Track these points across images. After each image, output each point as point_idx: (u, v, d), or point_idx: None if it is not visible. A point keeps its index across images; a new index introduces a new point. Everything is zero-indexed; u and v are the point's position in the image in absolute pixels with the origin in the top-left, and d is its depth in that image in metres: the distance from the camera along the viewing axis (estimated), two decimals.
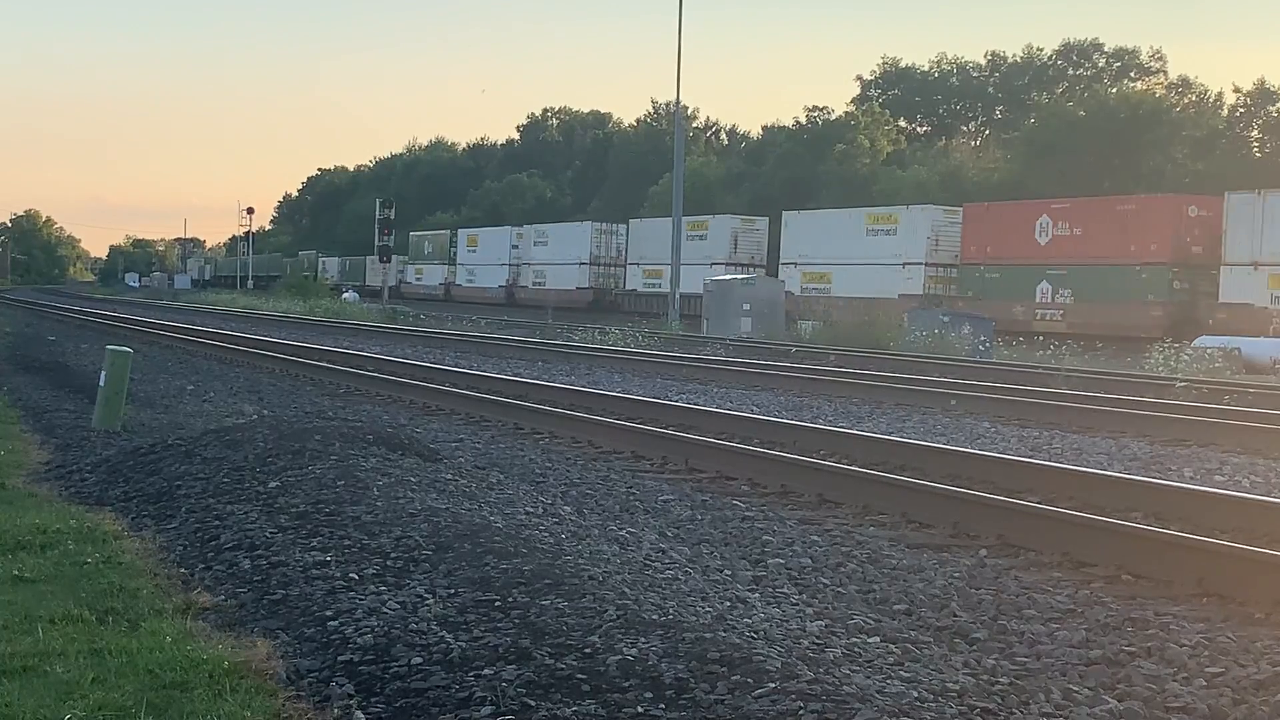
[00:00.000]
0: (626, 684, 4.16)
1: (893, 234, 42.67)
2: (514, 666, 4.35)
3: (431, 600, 5.23)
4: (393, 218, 60.96)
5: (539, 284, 62.64)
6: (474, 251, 71.52)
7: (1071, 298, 36.81)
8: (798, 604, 5.90)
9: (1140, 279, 34.89)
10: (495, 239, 69.17)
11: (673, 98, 58.95)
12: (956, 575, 6.63)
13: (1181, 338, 26.51)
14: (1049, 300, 37.51)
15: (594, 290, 58.75)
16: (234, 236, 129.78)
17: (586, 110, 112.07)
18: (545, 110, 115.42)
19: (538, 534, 6.69)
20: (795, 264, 46.00)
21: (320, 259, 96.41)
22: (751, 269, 49.20)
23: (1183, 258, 34.57)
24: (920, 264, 41.53)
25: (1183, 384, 18.48)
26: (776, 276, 45.81)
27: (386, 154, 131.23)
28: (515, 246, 66.88)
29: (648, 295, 53.45)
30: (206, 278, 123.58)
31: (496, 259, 67.93)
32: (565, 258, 61.31)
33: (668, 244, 48.38)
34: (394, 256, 67.11)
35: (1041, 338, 28.44)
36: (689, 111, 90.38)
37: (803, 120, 79.94)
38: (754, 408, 15.51)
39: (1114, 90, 67.26)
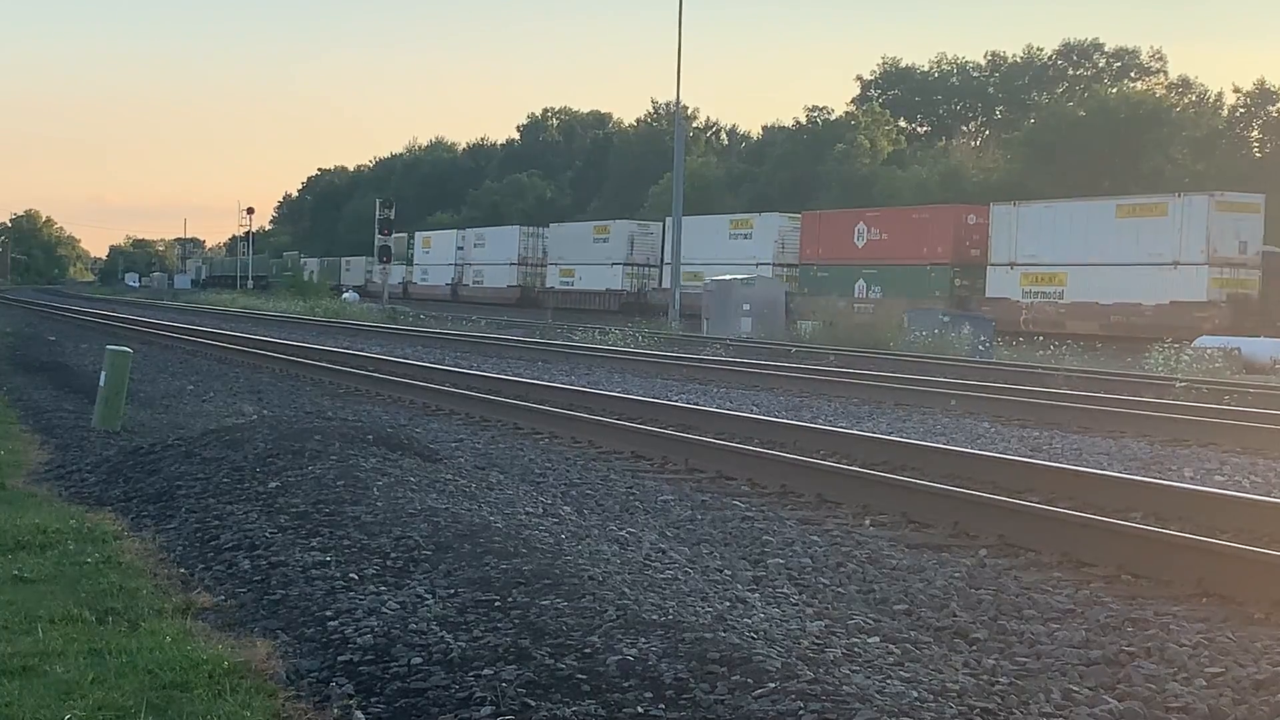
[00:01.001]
0: (626, 684, 4.16)
1: (750, 238, 49.52)
2: (514, 666, 4.35)
3: (431, 600, 5.23)
4: (393, 218, 61.23)
5: (478, 282, 68.45)
6: (428, 253, 77.08)
7: (880, 293, 42.02)
8: (798, 604, 5.90)
9: (930, 277, 40.67)
10: (444, 241, 74.32)
11: (673, 98, 59.98)
12: (956, 575, 6.63)
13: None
14: (864, 296, 42.66)
15: (520, 288, 64.31)
16: (234, 236, 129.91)
17: (586, 110, 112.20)
18: (545, 110, 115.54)
19: (537, 534, 6.69)
20: (772, 265, 50.04)
21: (302, 259, 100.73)
22: (648, 268, 56.63)
23: (962, 259, 40.37)
24: (769, 264, 47.83)
25: (1183, 384, 18.48)
26: (661, 275, 53.08)
27: (386, 154, 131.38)
28: (460, 248, 72.34)
29: (563, 292, 59.74)
30: (202, 278, 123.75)
31: (445, 260, 73.13)
32: (498, 258, 67.14)
33: (579, 247, 58.51)
34: (362, 258, 73.79)
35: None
36: (689, 111, 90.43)
37: (803, 120, 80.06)
38: (754, 408, 15.51)
39: (1114, 90, 67.23)
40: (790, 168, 72.21)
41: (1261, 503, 8.02)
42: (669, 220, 52.53)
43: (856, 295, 42.50)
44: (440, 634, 4.76)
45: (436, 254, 75.21)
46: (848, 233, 44.63)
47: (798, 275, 46.84)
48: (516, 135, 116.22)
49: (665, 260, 51.24)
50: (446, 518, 6.75)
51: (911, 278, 40.76)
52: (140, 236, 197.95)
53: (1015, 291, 38.19)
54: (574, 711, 3.97)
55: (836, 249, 44.90)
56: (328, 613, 5.16)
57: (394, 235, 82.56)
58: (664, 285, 50.13)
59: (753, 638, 4.85)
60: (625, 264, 57.12)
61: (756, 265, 47.37)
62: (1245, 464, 11.25)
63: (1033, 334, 30.37)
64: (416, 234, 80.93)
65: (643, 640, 4.56)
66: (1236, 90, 66.44)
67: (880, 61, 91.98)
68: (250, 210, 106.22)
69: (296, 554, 6.10)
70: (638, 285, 56.96)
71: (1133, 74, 75.89)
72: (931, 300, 38.18)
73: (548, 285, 62.69)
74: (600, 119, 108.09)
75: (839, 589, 6.30)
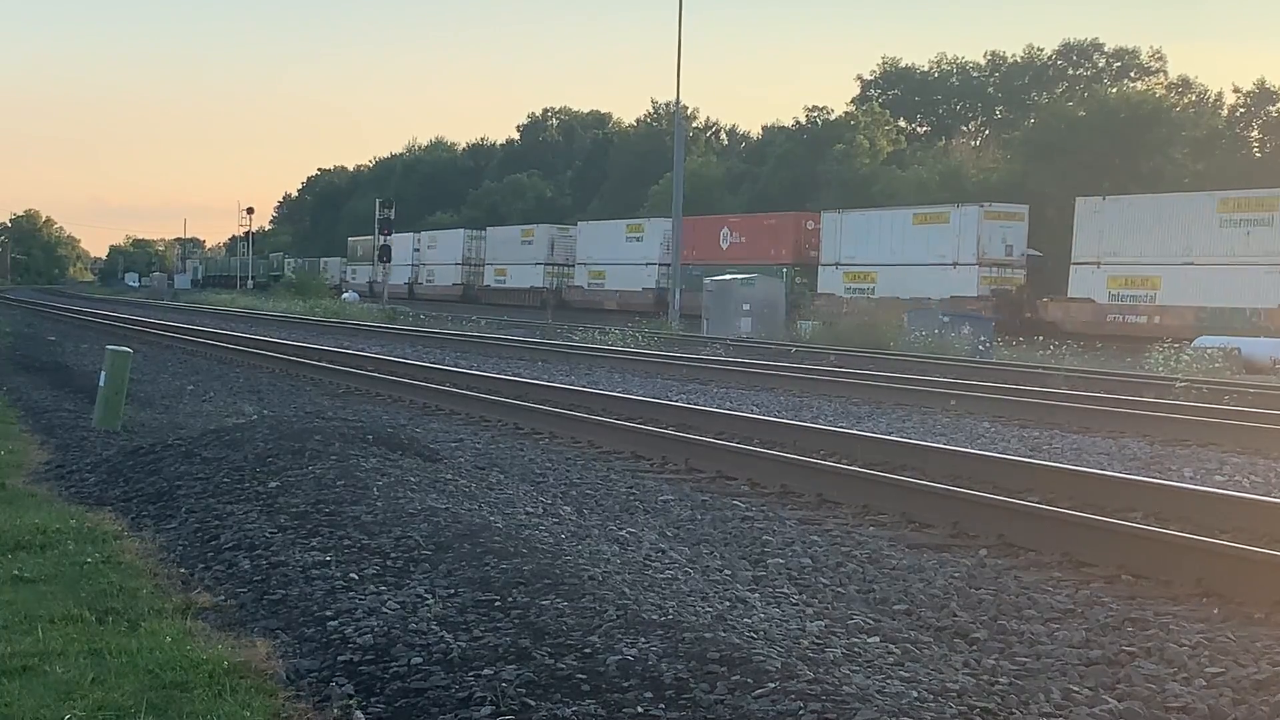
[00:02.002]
0: (626, 684, 4.16)
1: (641, 240, 55.05)
2: (514, 666, 4.35)
3: (431, 600, 5.23)
4: (393, 218, 61.58)
5: (430, 281, 73.79)
6: (423, 251, 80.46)
7: (875, 290, 45.28)
8: (798, 604, 5.90)
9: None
10: (404, 243, 77.61)
11: (673, 98, 60.61)
12: (956, 575, 6.63)
13: (1030, 331, 32.95)
14: (834, 290, 45.75)
15: (463, 286, 69.87)
16: (234, 236, 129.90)
17: (586, 110, 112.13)
18: (545, 110, 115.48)
19: (538, 534, 6.69)
20: (584, 264, 58.75)
21: (285, 259, 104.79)
22: (566, 267, 61.73)
23: (802, 260, 46.36)
24: (656, 264, 53.19)
25: (1183, 384, 18.48)
26: (550, 275, 61.18)
27: (386, 154, 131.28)
28: (416, 250, 77.84)
29: (496, 289, 66.72)
30: (199, 277, 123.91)
31: (404, 260, 76.47)
32: (446, 259, 72.92)
33: (509, 248, 65.35)
34: (336, 258, 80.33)
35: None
36: (689, 111, 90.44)
37: (803, 120, 79.95)
38: (754, 408, 15.51)
39: (1114, 90, 67.23)
40: (790, 168, 72.20)
41: (1261, 503, 8.02)
42: (584, 224, 62.24)
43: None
44: (440, 634, 4.76)
45: (397, 255, 78.32)
46: (715, 236, 51.01)
47: (687, 274, 51.54)
48: (516, 135, 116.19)
49: (579, 260, 59.46)
50: (446, 518, 6.75)
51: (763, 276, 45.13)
52: (140, 236, 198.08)
53: (839, 288, 44.04)
54: (574, 711, 3.97)
55: (707, 251, 50.74)
56: (328, 612, 5.15)
57: (361, 238, 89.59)
58: (576, 283, 58.99)
59: (753, 638, 4.85)
60: (546, 264, 62.78)
61: (646, 264, 54.21)
62: (1245, 464, 11.25)
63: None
64: (416, 234, 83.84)
65: (643, 640, 4.56)
66: (1236, 90, 66.50)
67: (880, 61, 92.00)
68: (250, 210, 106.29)
69: (296, 554, 6.10)
70: (556, 283, 61.80)
71: (1133, 74, 75.88)
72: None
73: (485, 283, 68.68)
74: (600, 119, 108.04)
75: (839, 589, 6.30)
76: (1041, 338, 28.95)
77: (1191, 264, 33.61)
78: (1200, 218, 34.01)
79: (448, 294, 69.39)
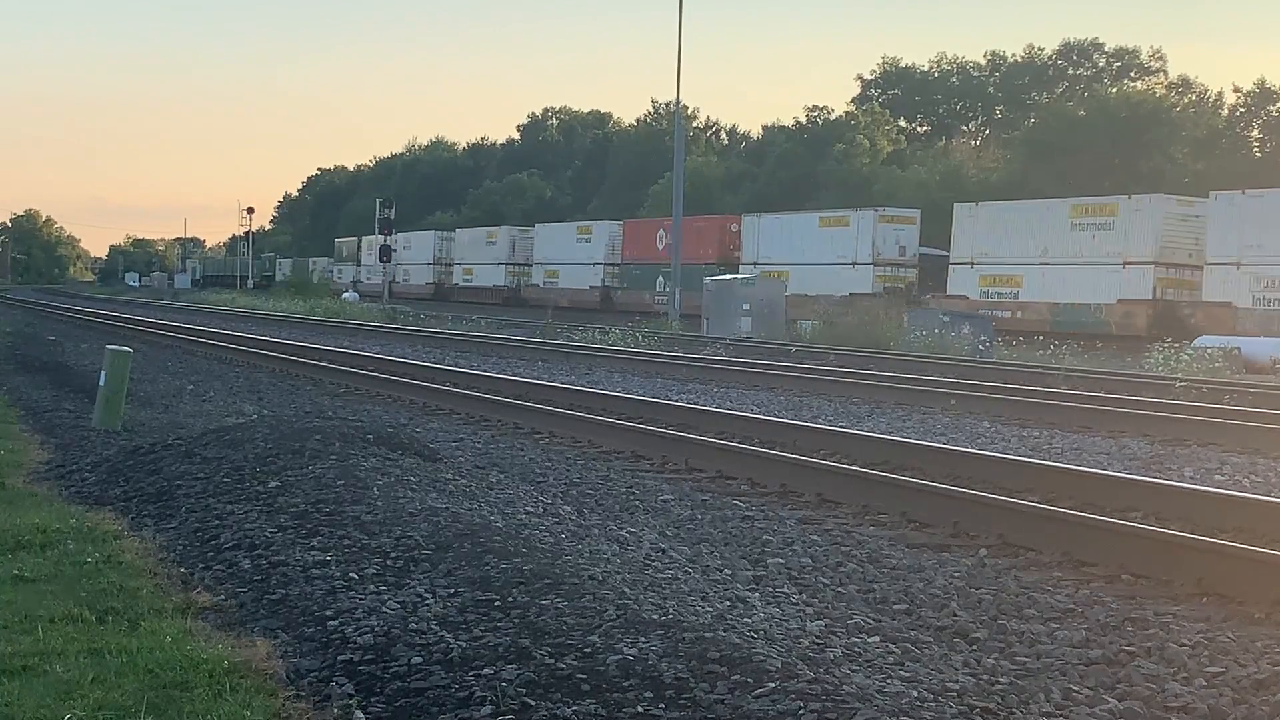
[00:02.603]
0: (626, 684, 4.16)
1: (589, 242, 59.74)
2: (514, 666, 4.35)
3: (431, 600, 5.23)
4: (393, 217, 61.79)
5: (405, 280, 76.36)
6: (369, 254, 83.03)
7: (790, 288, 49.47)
8: (798, 604, 5.90)
9: (702, 274, 46.81)
10: (420, 243, 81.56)
11: (673, 98, 61.25)
12: (956, 575, 6.63)
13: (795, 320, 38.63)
14: (663, 290, 50.40)
15: (435, 285, 73.58)
16: (234, 236, 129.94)
17: (586, 110, 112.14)
18: (545, 110, 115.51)
19: (538, 534, 6.69)
20: (541, 264, 63.61)
21: (277, 260, 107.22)
22: (526, 266, 65.99)
23: (726, 259, 49.70)
24: (602, 264, 58.25)
25: (1183, 384, 18.48)
26: (511, 274, 66.00)
27: (386, 154, 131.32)
28: (394, 250, 79.82)
29: (466, 287, 70.45)
30: (196, 277, 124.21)
31: (424, 259, 79.28)
32: (420, 259, 76.57)
33: (476, 249, 69.98)
34: (323, 258, 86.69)
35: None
36: (689, 111, 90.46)
37: (803, 120, 80.00)
38: (754, 408, 15.51)
39: (1114, 90, 67.26)
40: (790, 167, 72.24)
41: (1261, 503, 8.02)
42: (541, 226, 66.48)
43: (656, 290, 52.03)
44: (440, 633, 4.76)
45: (414, 253, 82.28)
46: (652, 237, 54.65)
47: (619, 272, 57.73)
48: (516, 135, 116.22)
49: (535, 260, 64.41)
50: (447, 517, 6.75)
51: (693, 274, 47.89)
52: (140, 236, 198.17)
53: (679, 283, 47.69)
54: (574, 711, 3.97)
55: (645, 251, 55.39)
56: (328, 612, 5.16)
57: (346, 239, 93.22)
58: (533, 282, 64.00)
59: (753, 637, 4.85)
60: (508, 263, 67.33)
61: (593, 264, 58.83)
62: (1245, 464, 11.25)
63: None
64: (363, 239, 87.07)
65: (643, 640, 4.56)
66: (1236, 90, 66.54)
67: (880, 61, 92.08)
68: (250, 210, 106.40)
69: (296, 553, 6.10)
70: (517, 281, 66.20)
71: (1133, 74, 75.92)
72: (699, 292, 46.38)
73: (454, 282, 73.00)
74: (600, 119, 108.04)
75: (839, 589, 6.30)
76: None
77: (1047, 264, 37.32)
78: (1056, 222, 37.62)
79: (421, 292, 72.31)
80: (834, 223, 46.02)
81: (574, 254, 60.69)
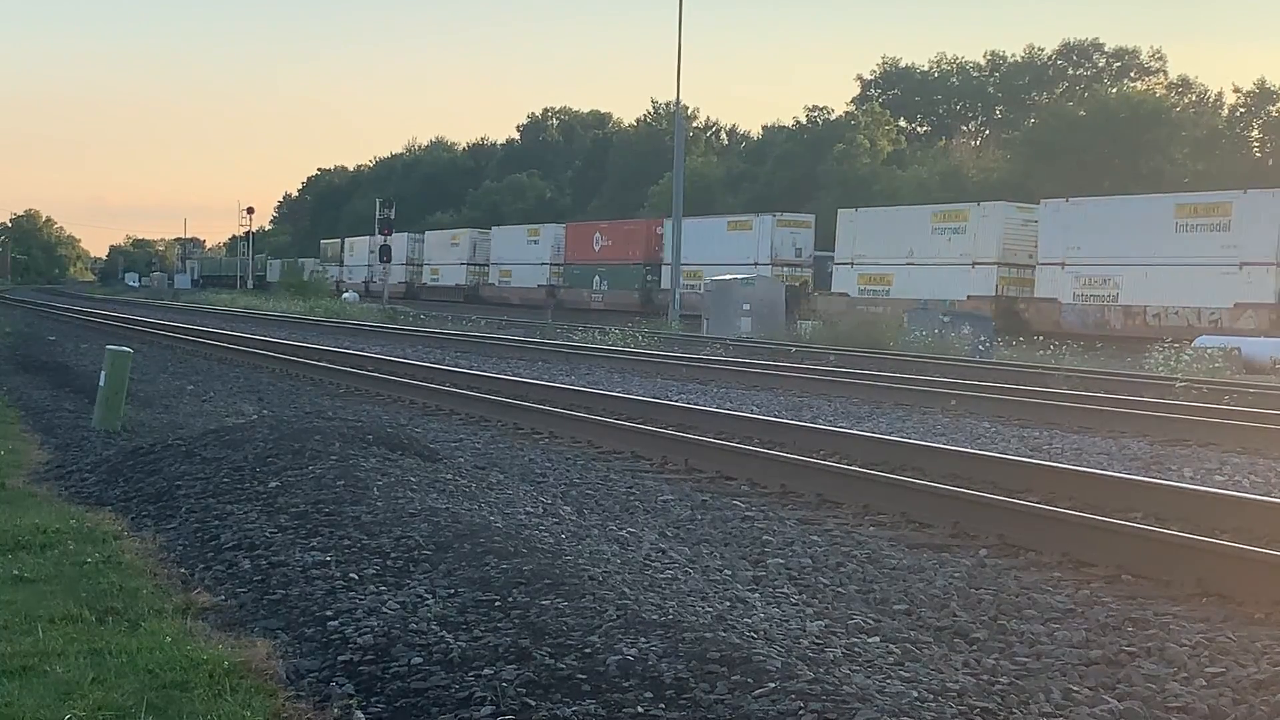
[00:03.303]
0: (626, 684, 4.16)
1: (537, 244, 64.40)
2: (514, 666, 4.35)
3: (431, 600, 5.23)
4: (393, 217, 61.97)
5: (434, 280, 79.28)
6: (351, 255, 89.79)
7: (607, 286, 57.33)
8: (798, 604, 5.90)
9: (632, 273, 55.57)
10: (362, 245, 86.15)
11: (673, 98, 61.66)
12: (956, 575, 6.63)
13: (647, 313, 45.06)
14: (598, 288, 57.93)
15: (407, 284, 76.72)
16: (234, 236, 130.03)
17: (586, 110, 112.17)
18: (545, 110, 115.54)
19: (538, 534, 6.69)
20: (496, 264, 68.93)
21: (268, 261, 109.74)
22: (485, 266, 70.54)
23: (652, 259, 54.54)
24: (548, 264, 63.13)
25: (1183, 384, 18.48)
26: (472, 273, 71.01)
27: (386, 154, 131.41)
28: (371, 252, 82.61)
29: (433, 286, 75.00)
30: (195, 277, 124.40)
31: (362, 261, 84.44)
32: (444, 259, 78.37)
33: (441, 251, 74.69)
34: (310, 259, 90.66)
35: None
36: (689, 111, 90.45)
37: (803, 120, 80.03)
38: (754, 408, 15.50)
39: (1114, 90, 67.27)
40: (790, 167, 72.26)
41: (1261, 503, 8.01)
42: (496, 229, 71.53)
43: (594, 288, 58.20)
44: (440, 634, 4.76)
45: (359, 257, 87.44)
46: (590, 240, 60.32)
47: (562, 272, 62.57)
48: (516, 135, 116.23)
49: (492, 261, 69.55)
50: (446, 518, 6.75)
51: (623, 274, 55.70)
52: (140, 236, 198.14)
53: (679, 284, 51.76)
54: (574, 711, 3.97)
55: (584, 252, 60.36)
56: (328, 612, 5.16)
57: (331, 241, 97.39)
58: (490, 281, 69.40)
59: (753, 637, 4.85)
60: (469, 264, 71.97)
61: (540, 264, 63.70)
62: (1245, 464, 11.25)
63: (681, 315, 41.75)
64: (345, 240, 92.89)
65: (643, 640, 4.56)
66: (1236, 90, 66.58)
67: (880, 61, 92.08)
68: (250, 210, 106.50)
69: (296, 554, 6.10)
70: (475, 280, 70.90)
71: (1133, 74, 75.90)
72: (631, 291, 54.44)
73: (424, 281, 77.36)
74: (600, 119, 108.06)
75: (839, 589, 6.30)
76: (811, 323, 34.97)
77: (913, 264, 41.25)
78: (920, 227, 41.79)
79: (394, 291, 75.06)
80: (740, 226, 51.08)
81: (525, 255, 65.29)
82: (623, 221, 63.14)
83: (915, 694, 4.24)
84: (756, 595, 5.96)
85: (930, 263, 40.86)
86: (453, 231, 77.45)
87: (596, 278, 58.24)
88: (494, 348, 27.42)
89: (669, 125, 73.42)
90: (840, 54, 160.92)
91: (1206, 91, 69.77)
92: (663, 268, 52.32)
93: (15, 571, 5.98)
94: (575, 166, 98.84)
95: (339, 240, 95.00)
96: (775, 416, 14.06)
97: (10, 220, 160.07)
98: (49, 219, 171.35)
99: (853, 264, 43.81)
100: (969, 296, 38.71)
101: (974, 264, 39.94)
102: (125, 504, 7.88)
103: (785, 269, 47.98)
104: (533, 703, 4.04)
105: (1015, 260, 39.37)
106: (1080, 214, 37.09)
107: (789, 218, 50.26)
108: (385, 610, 5.10)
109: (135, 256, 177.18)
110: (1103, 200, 39.02)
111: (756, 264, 47.84)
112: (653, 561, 6.46)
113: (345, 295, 66.92)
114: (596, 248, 59.39)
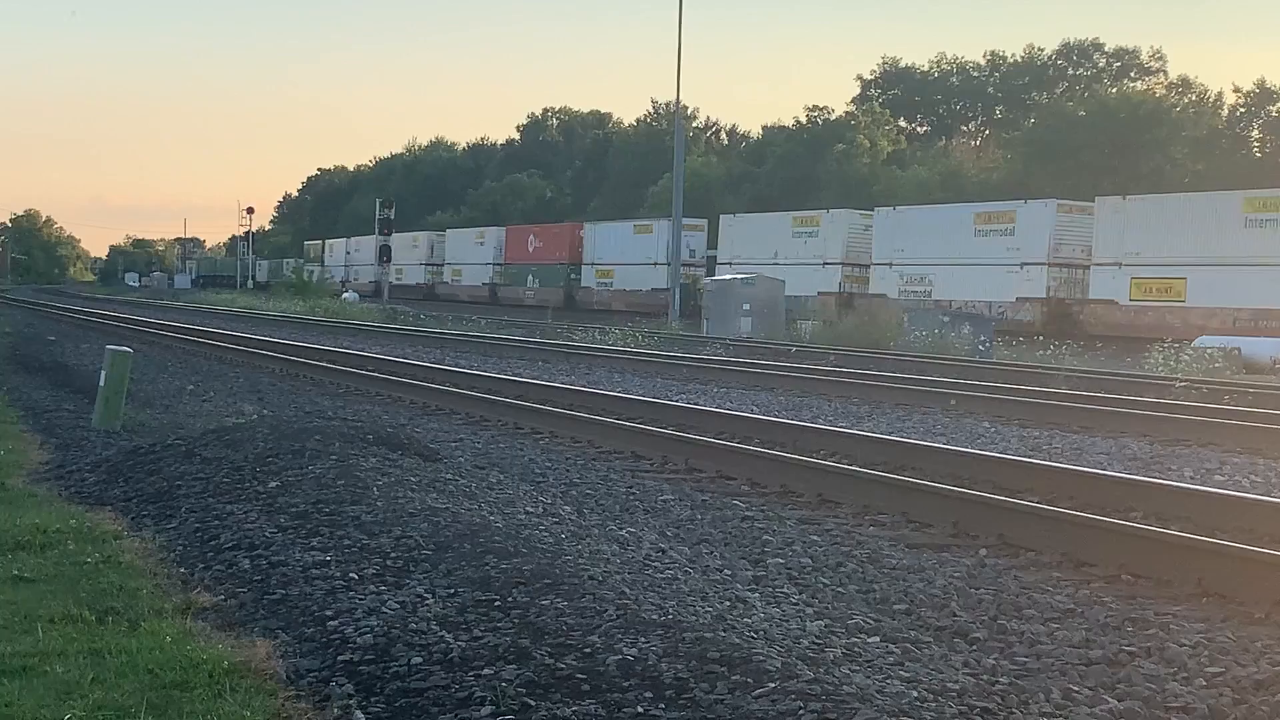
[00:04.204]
0: (626, 684, 4.16)
1: (483, 245, 71.77)
2: (514, 666, 4.35)
3: (431, 600, 5.23)
4: (393, 217, 62.18)
5: (356, 279, 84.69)
6: (331, 255, 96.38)
7: (538, 284, 64.40)
8: (798, 604, 5.90)
9: (558, 272, 62.74)
10: (339, 247, 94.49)
11: (673, 98, 62.11)
12: (956, 575, 6.63)
13: (570, 308, 54.25)
14: (530, 286, 65.28)
15: (375, 284, 78.75)
16: (234, 236, 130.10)
17: (586, 110, 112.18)
18: (545, 110, 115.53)
19: (538, 534, 6.69)
20: (450, 264, 75.72)
21: (258, 262, 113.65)
22: (440, 266, 76.59)
23: (575, 260, 62.01)
24: (489, 264, 70.04)
25: (1183, 384, 18.48)
26: (430, 273, 78.00)
27: (386, 154, 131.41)
28: (348, 253, 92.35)
29: (396, 285, 77.37)
30: (193, 277, 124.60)
31: (340, 261, 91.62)
32: (365, 260, 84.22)
33: (403, 252, 78.18)
34: (290, 259, 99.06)
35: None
36: (689, 111, 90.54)
37: (803, 120, 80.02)
38: (754, 408, 15.50)
39: (1114, 90, 67.29)
40: (790, 167, 72.28)
41: (1261, 503, 8.02)
42: (450, 231, 78.45)
43: (527, 286, 65.69)
44: (440, 633, 4.76)
45: (337, 258, 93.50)
46: (525, 242, 67.88)
47: (503, 271, 69.41)
48: (516, 135, 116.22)
49: (446, 261, 76.20)
50: (446, 517, 6.75)
51: (551, 273, 63.19)
52: (140, 236, 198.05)
53: (594, 282, 60.51)
54: (574, 711, 3.97)
55: (520, 254, 67.75)
56: (328, 612, 5.15)
57: (313, 242, 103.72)
58: (445, 280, 75.62)
59: (753, 637, 4.85)
60: (427, 264, 78.69)
61: (484, 264, 70.75)
62: (1245, 464, 11.24)
63: (594, 310, 47.70)
64: (326, 241, 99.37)
65: (643, 640, 4.56)
66: (1236, 90, 66.60)
67: (880, 61, 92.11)
68: (250, 210, 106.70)
69: (296, 554, 6.10)
70: (432, 279, 77.18)
71: (1133, 74, 75.92)
72: (557, 289, 61.35)
73: (390, 281, 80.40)
74: (600, 119, 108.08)
75: (839, 589, 6.30)
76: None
77: (777, 264, 45.77)
78: (782, 231, 48.12)
79: (365, 289, 79.60)
80: (642, 230, 57.61)
81: (473, 256, 71.87)
82: (550, 225, 70.22)
83: (915, 694, 4.24)
84: (756, 595, 5.96)
85: (791, 263, 45.58)
86: (414, 234, 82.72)
87: (530, 276, 65.57)
88: (494, 347, 27.42)
89: (669, 125, 73.50)
90: (840, 54, 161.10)
91: (1206, 91, 69.82)
92: (583, 267, 61.30)
93: (15, 571, 5.98)
94: (575, 166, 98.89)
95: (320, 242, 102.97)
96: (775, 416, 14.06)
97: (10, 220, 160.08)
98: (49, 219, 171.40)
99: (731, 263, 47.21)
100: (819, 293, 43.42)
101: (824, 263, 45.72)
102: (125, 504, 7.88)
103: (684, 269, 52.66)
104: (532, 703, 4.04)
105: (858, 260, 45.36)
106: (903, 221, 43.12)
107: (688, 221, 54.36)
108: (385, 610, 5.10)
109: (135, 256, 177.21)
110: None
111: (656, 264, 54.39)
112: (653, 561, 6.46)
113: (345, 295, 66.98)
114: (530, 249, 66.82)
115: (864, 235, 45.21)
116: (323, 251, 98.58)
